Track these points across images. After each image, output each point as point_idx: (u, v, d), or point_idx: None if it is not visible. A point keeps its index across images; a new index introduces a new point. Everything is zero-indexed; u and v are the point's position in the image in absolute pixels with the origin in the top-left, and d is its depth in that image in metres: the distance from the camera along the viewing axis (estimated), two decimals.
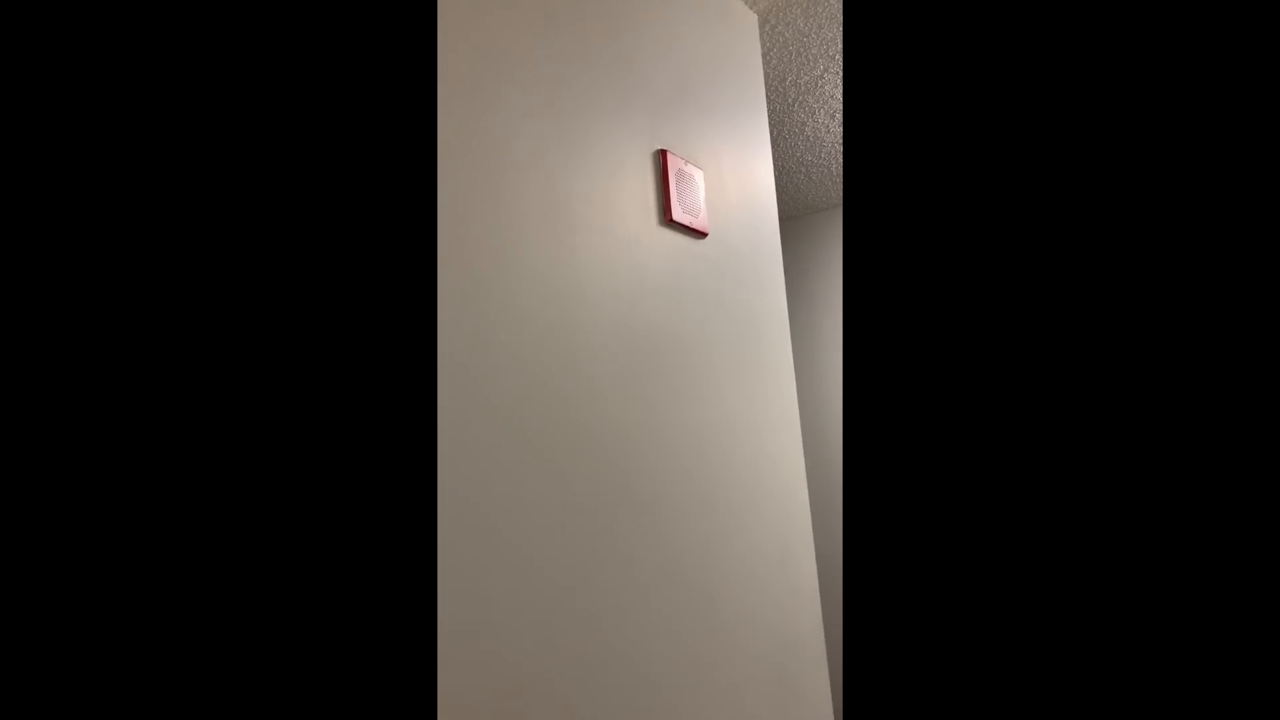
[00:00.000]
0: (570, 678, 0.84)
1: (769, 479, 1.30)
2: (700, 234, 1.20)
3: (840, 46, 1.73)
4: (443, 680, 0.69)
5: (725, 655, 1.09)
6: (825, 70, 1.83)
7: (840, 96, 1.95)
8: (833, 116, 2.07)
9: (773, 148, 2.28)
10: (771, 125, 2.11)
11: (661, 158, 1.14)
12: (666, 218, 1.13)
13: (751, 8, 1.54)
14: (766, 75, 1.83)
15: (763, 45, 1.70)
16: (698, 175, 1.21)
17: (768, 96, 1.94)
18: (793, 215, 2.93)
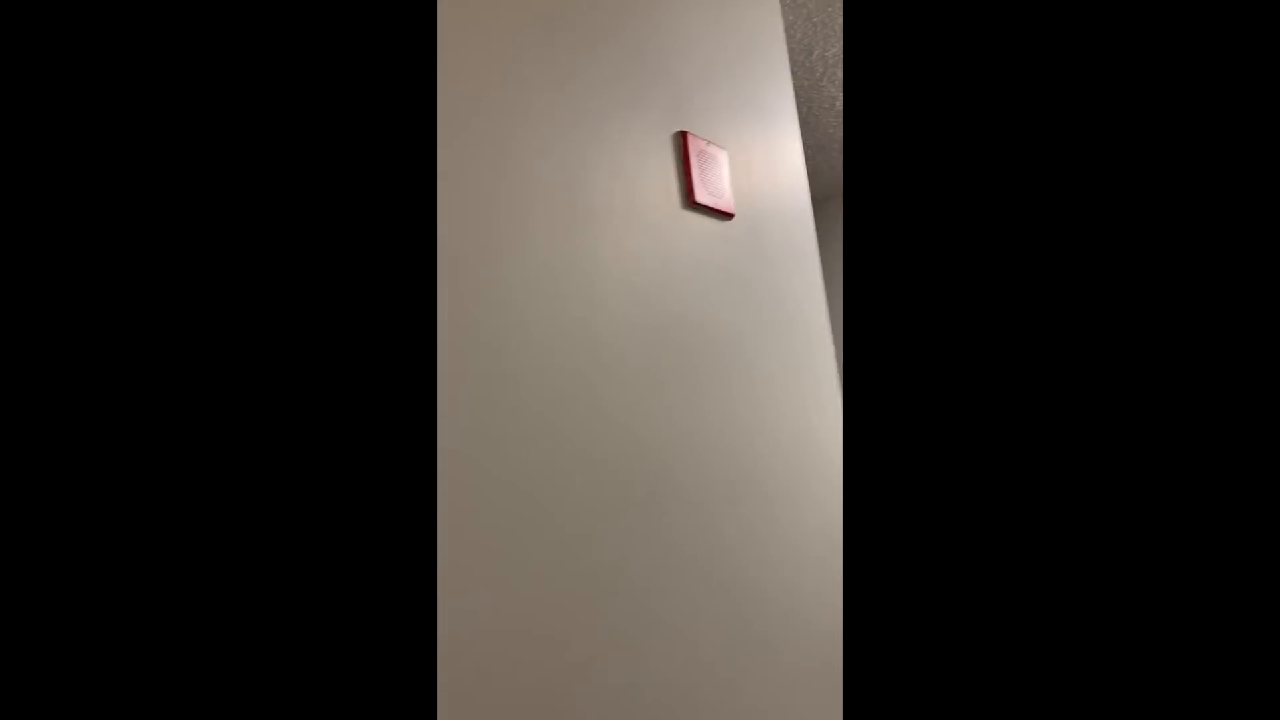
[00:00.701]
0: (605, 677, 0.82)
1: (810, 469, 1.25)
2: (726, 215, 1.17)
3: None
4: (472, 678, 0.68)
5: (770, 651, 1.06)
6: None
7: None
8: None
9: (802, 125, 2.22)
10: (800, 102, 2.05)
11: (682, 139, 1.10)
12: (690, 200, 1.09)
13: None
14: (791, 50, 1.77)
15: (785, 19, 1.65)
16: (721, 155, 1.18)
17: (794, 72, 1.88)
18: (829, 195, 2.85)
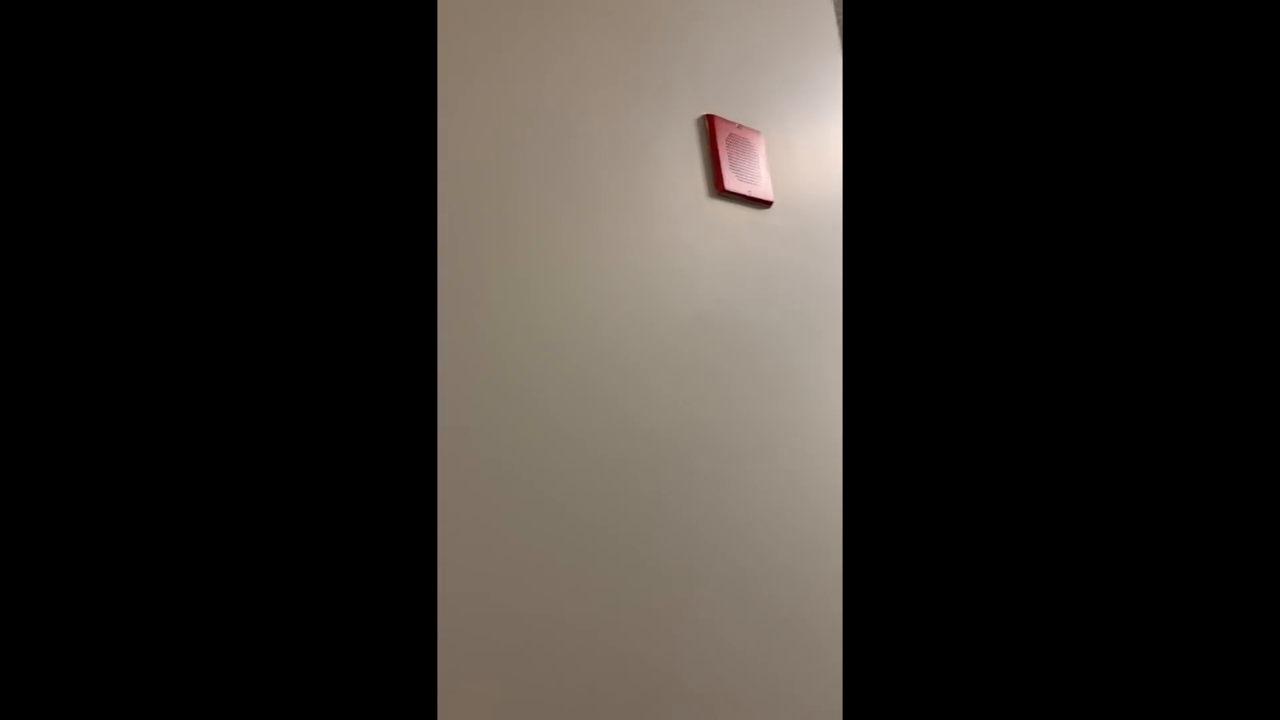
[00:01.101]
0: (623, 665, 0.76)
1: None
2: (763, 203, 1.09)
3: None
4: (491, 662, 0.63)
5: (811, 673, 0.98)
6: None
7: None
8: None
9: None
10: None
11: (708, 123, 1.03)
12: (718, 188, 1.02)
13: None
14: (841, 21, 1.67)
15: None
16: (755, 139, 1.10)
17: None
18: None
